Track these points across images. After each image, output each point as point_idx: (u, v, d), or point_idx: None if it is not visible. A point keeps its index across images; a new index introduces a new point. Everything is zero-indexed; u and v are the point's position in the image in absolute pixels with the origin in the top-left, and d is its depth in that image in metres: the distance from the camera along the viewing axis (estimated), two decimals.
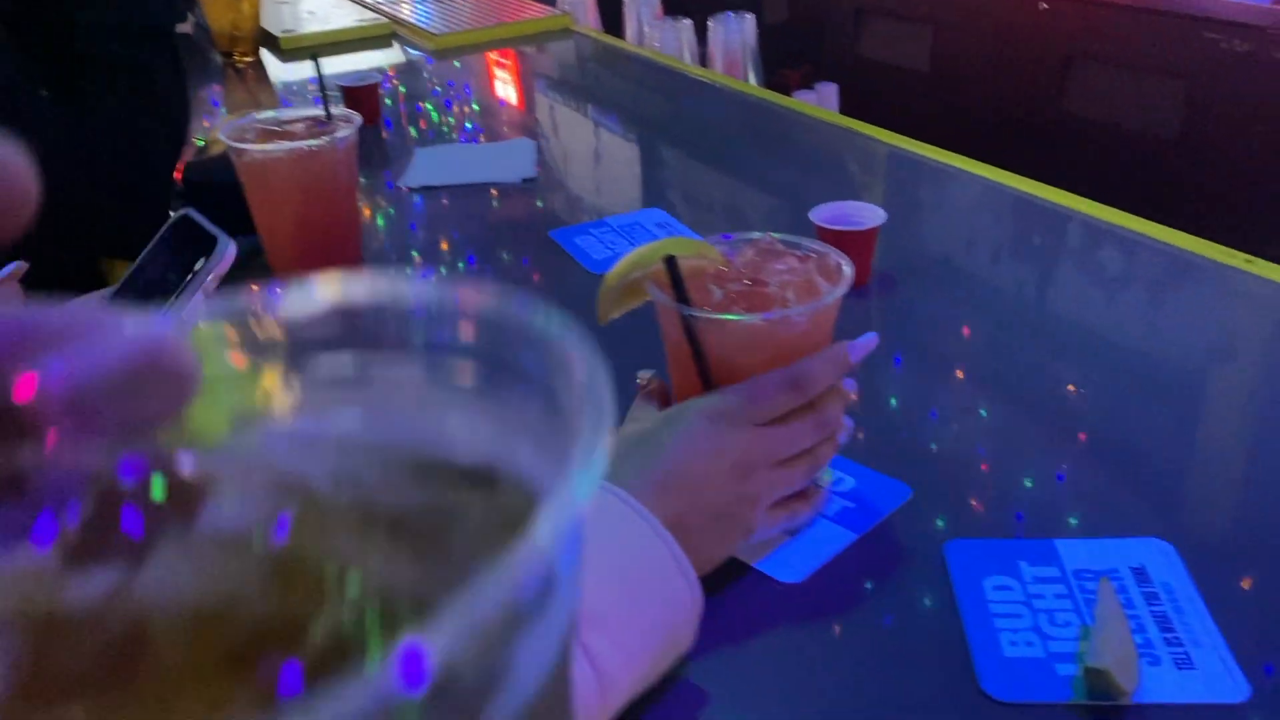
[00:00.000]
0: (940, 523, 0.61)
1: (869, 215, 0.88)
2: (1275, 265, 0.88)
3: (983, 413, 0.73)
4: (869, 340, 0.60)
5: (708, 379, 0.58)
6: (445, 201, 1.13)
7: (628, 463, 0.54)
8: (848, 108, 1.94)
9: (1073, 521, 0.60)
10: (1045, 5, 2.47)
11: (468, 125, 1.38)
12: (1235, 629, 0.52)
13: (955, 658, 0.52)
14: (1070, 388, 0.75)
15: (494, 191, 1.14)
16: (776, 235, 0.64)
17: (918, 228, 1.02)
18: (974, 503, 0.63)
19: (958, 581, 0.56)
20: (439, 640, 0.10)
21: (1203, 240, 0.93)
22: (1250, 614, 0.53)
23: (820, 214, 0.88)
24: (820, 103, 1.68)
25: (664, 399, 0.65)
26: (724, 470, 0.55)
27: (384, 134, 1.35)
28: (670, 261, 0.58)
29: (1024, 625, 0.53)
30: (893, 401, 0.74)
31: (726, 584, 0.57)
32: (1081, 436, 0.69)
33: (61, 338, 0.16)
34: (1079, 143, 2.47)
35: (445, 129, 1.37)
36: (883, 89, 2.87)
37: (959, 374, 0.78)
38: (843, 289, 0.59)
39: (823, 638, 0.55)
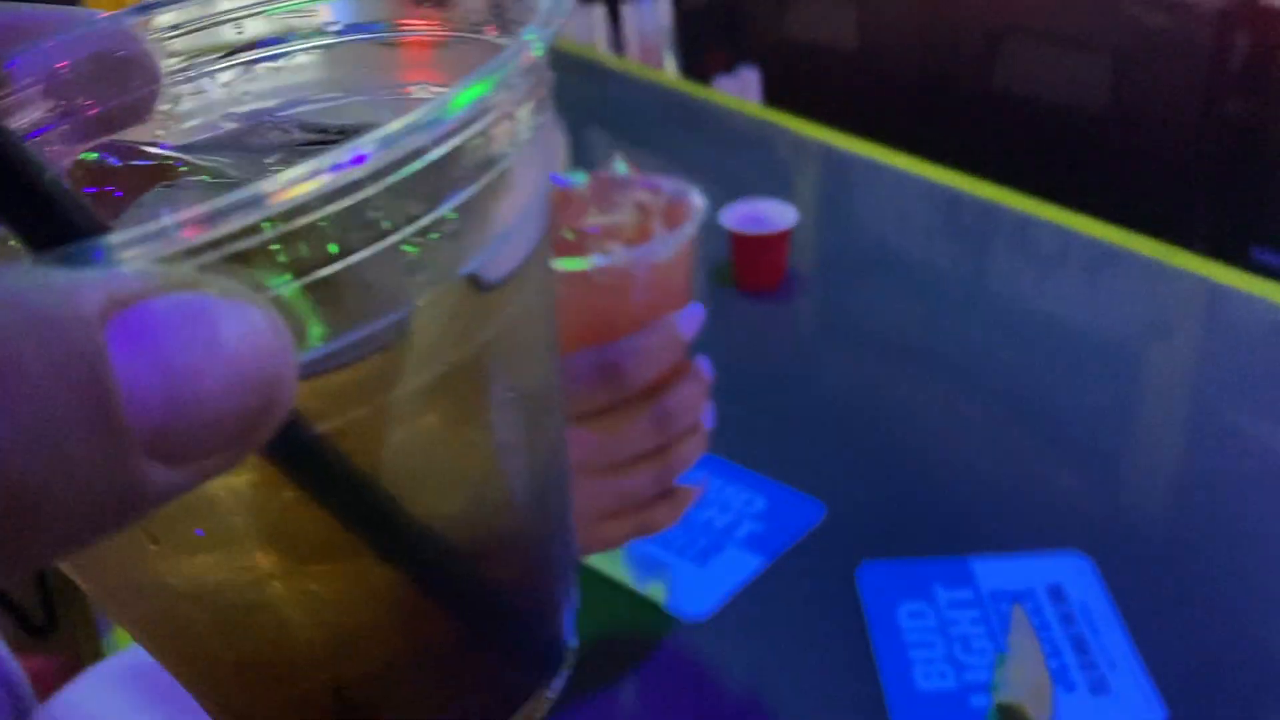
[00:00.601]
0: (853, 542, 0.59)
1: (781, 215, 0.86)
2: (1197, 257, 0.87)
3: (899, 421, 0.70)
4: (696, 311, 0.48)
5: None
6: None
7: None
8: (771, 91, 1.92)
9: (989, 536, 0.58)
10: None
11: None
12: (1154, 646, 0.50)
13: (868, 691, 0.50)
14: (989, 394, 0.73)
15: None
16: (622, 168, 0.52)
17: (835, 225, 1.00)
18: (890, 518, 0.61)
19: (870, 610, 0.54)
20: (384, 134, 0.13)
21: (1129, 232, 0.91)
22: (1169, 629, 0.52)
23: (730, 216, 0.85)
24: (741, 89, 1.65)
25: None
26: None
27: None
28: None
29: (938, 655, 0.51)
30: (805, 410, 0.72)
31: (627, 621, 0.54)
32: (1001, 445, 0.67)
33: (38, 32, 0.18)
34: (1008, 119, 2.48)
35: None
36: (808, 69, 2.85)
37: (876, 380, 0.76)
38: (683, 235, 0.46)
39: (730, 675, 0.52)
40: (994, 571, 0.55)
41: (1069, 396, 0.72)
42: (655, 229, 0.48)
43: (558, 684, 0.20)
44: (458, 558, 0.17)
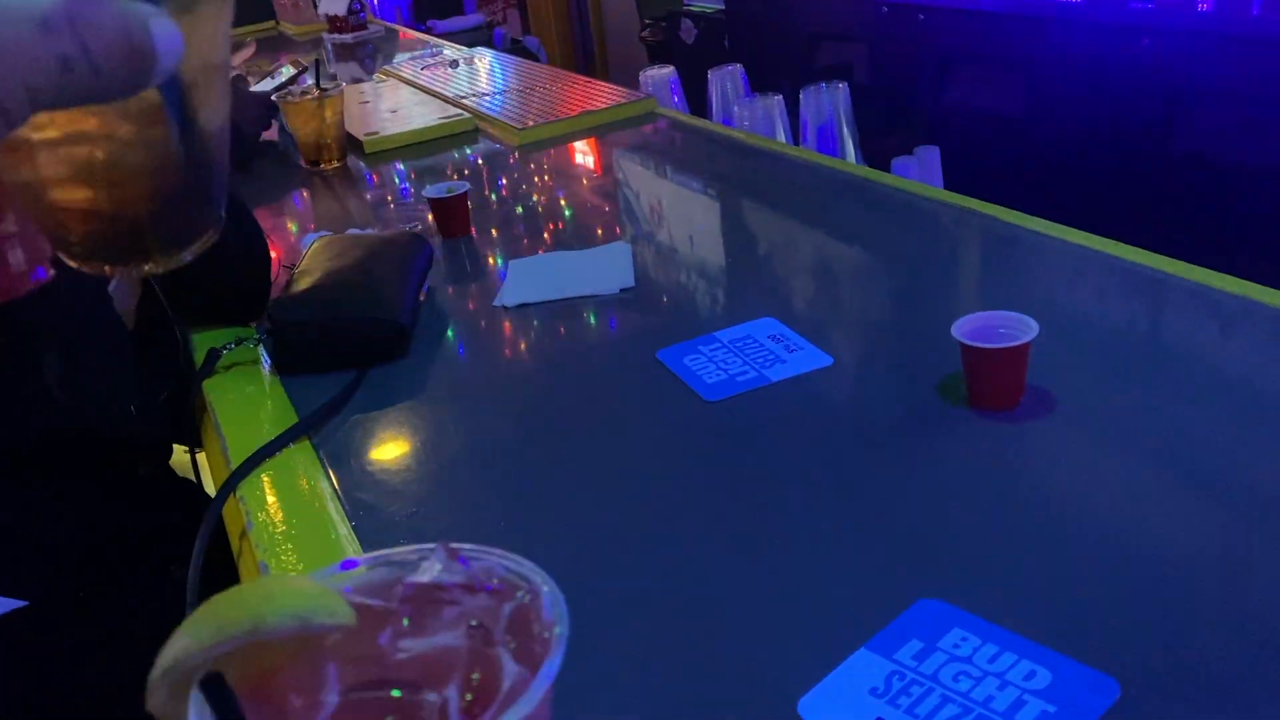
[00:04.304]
0: None
1: (1019, 327, 0.79)
2: None
3: (1185, 564, 0.62)
4: None
5: None
6: (540, 320, 1.06)
7: None
8: (949, 165, 1.85)
9: None
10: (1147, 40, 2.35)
11: (558, 227, 1.33)
12: None
13: None
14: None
15: (592, 306, 1.07)
16: (462, 547, 0.39)
17: (1071, 327, 0.92)
18: (1196, 696, 0.53)
19: None
20: None
21: None
22: None
23: (963, 329, 0.79)
24: (922, 169, 1.59)
25: None
26: None
27: (474, 242, 1.30)
28: (210, 685, 0.33)
29: None
30: (1079, 561, 0.64)
31: None
32: None
33: None
34: (1190, 182, 2.33)
35: (535, 232, 1.32)
36: (980, 137, 2.76)
37: (1149, 510, 0.68)
38: (543, 683, 0.34)
39: None
40: None
41: None
42: (500, 659, 0.36)
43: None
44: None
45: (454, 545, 0.39)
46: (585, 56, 6.49)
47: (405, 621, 0.37)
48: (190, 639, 0.33)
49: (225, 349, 1.04)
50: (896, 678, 0.56)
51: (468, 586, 0.38)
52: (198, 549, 0.76)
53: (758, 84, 2.37)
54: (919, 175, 1.59)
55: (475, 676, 0.35)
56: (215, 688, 0.32)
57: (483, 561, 0.39)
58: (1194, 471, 0.71)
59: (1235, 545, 0.64)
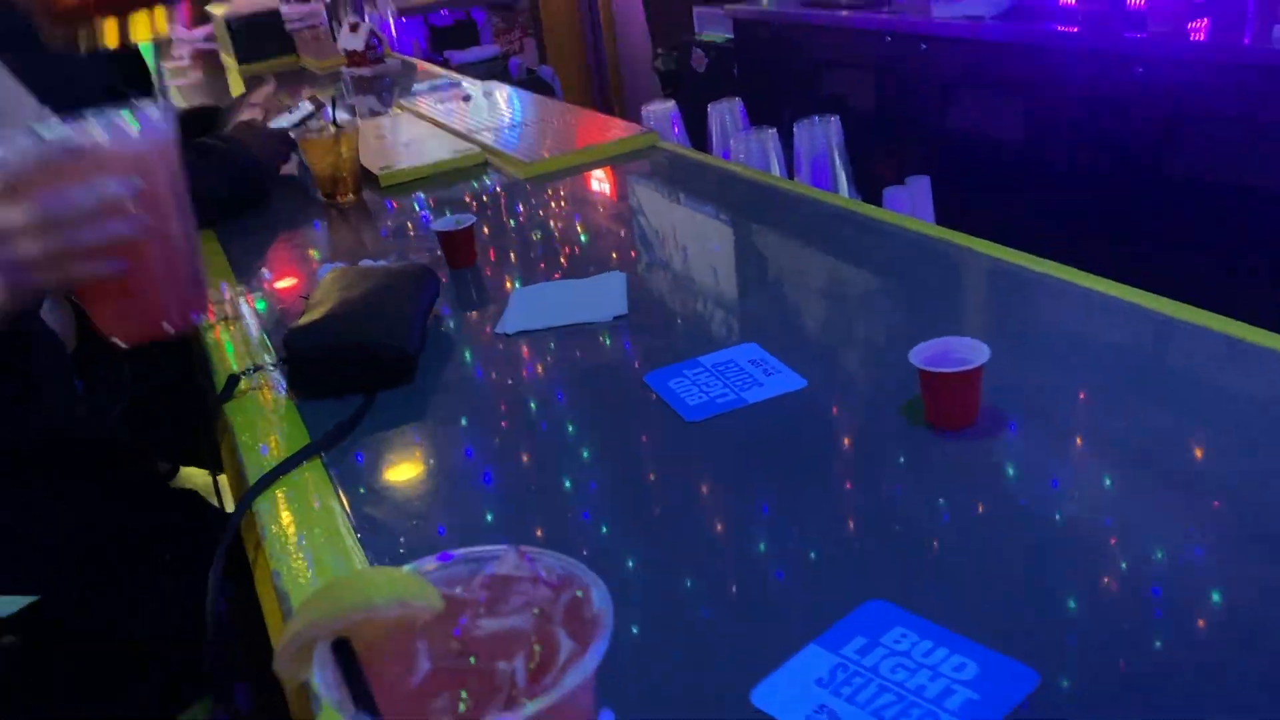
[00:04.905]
0: (1073, 714, 0.57)
1: (972, 352, 0.85)
2: None
3: (1115, 573, 0.68)
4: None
5: None
6: (538, 347, 1.13)
7: None
8: (941, 192, 1.91)
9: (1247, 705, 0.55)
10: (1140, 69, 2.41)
11: (560, 257, 1.40)
12: None
13: None
14: (1219, 538, 0.70)
15: (587, 333, 1.14)
16: (528, 550, 0.49)
17: (1027, 354, 0.98)
18: (1110, 685, 0.59)
19: None
20: None
21: None
22: None
23: (921, 355, 0.85)
24: (913, 199, 1.66)
25: None
26: None
27: (484, 273, 1.37)
28: (340, 648, 0.42)
29: None
30: (1010, 563, 0.70)
31: None
32: (1252, 588, 0.64)
33: None
34: (1189, 203, 2.38)
35: (538, 262, 1.39)
36: (976, 162, 2.82)
37: (1080, 524, 0.74)
38: (594, 657, 0.43)
39: None
40: None
41: None
42: (558, 638, 0.45)
43: None
44: None
45: (523, 547, 0.49)
46: (600, 85, 6.59)
47: (481, 607, 0.47)
48: (313, 614, 0.43)
49: (243, 374, 1.12)
50: (841, 670, 0.62)
51: (532, 579, 0.48)
52: (218, 557, 0.83)
53: (767, 112, 2.44)
54: (909, 204, 1.65)
55: (538, 649, 0.44)
56: (344, 649, 0.42)
57: (544, 560, 0.49)
58: (1125, 479, 0.77)
59: (1154, 547, 0.70)
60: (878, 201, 1.73)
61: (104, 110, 0.75)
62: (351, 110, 1.90)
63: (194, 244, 0.83)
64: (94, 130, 0.73)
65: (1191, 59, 2.35)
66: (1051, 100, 2.62)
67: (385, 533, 0.83)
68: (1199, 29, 2.41)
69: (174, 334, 0.80)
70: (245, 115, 1.92)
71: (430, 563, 0.49)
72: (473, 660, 0.44)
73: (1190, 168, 2.32)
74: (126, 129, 0.74)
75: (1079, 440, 0.84)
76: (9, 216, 0.71)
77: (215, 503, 1.18)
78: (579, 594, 0.47)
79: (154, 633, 0.94)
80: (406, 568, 0.48)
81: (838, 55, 3.34)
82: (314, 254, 1.56)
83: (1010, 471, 0.81)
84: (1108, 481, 0.78)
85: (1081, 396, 0.90)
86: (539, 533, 0.81)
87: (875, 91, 3.16)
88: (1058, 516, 0.74)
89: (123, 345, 0.78)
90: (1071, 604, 0.66)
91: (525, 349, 1.13)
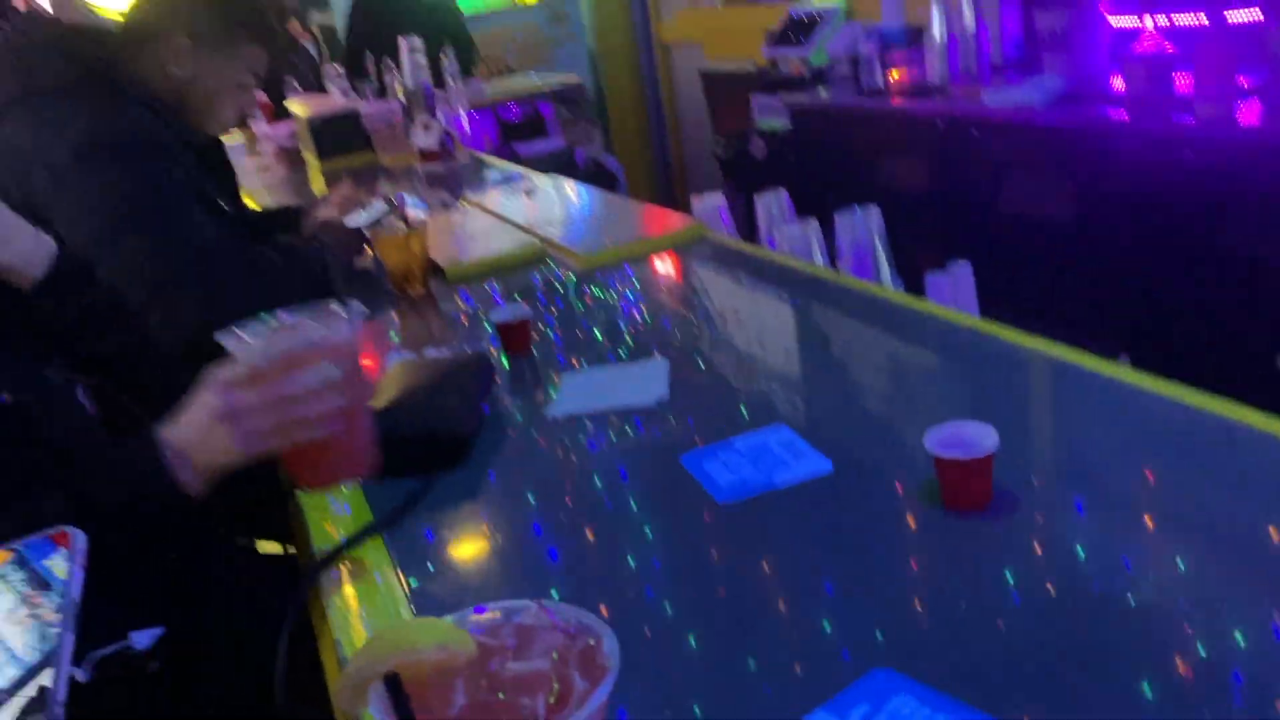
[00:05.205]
0: None
1: (983, 438, 0.90)
2: None
3: (1144, 687, 0.72)
4: None
5: None
6: (584, 429, 1.21)
7: None
8: (990, 276, 1.96)
9: None
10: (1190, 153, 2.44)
11: (609, 346, 1.49)
12: None
13: None
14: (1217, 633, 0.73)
15: (630, 416, 1.22)
16: (548, 604, 0.61)
17: (1044, 440, 1.03)
18: None
19: None
20: None
21: None
22: None
23: (934, 439, 0.91)
24: (955, 285, 1.71)
25: None
26: None
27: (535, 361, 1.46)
28: (391, 683, 0.53)
29: None
30: (1015, 636, 0.75)
31: None
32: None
33: None
34: (1238, 286, 2.39)
35: (589, 348, 1.48)
36: (1026, 245, 2.86)
37: (1082, 606, 0.78)
38: (601, 695, 0.54)
39: None
40: None
41: None
42: (573, 679, 0.55)
43: None
44: None
45: (544, 601, 0.60)
46: (664, 172, 6.78)
47: (509, 652, 0.57)
48: (368, 657, 0.54)
49: None
50: None
51: (552, 629, 0.58)
52: (286, 626, 0.91)
53: (821, 198, 2.53)
54: (951, 290, 1.71)
55: (556, 687, 0.55)
56: (393, 682, 0.52)
57: (563, 614, 0.60)
58: (1135, 560, 0.81)
59: (1157, 628, 0.74)
60: (921, 286, 1.79)
61: (314, 306, 0.97)
62: (423, 206, 2.04)
63: (369, 411, 1.00)
64: (313, 324, 0.94)
65: (1240, 142, 2.38)
66: (1102, 184, 2.66)
67: (437, 605, 0.91)
68: (1247, 112, 2.45)
69: (351, 483, 0.96)
70: (324, 214, 2.07)
71: (469, 614, 0.60)
72: (501, 695, 0.54)
73: (1240, 250, 2.34)
74: (337, 324, 0.93)
75: (1087, 527, 0.88)
76: (252, 397, 0.90)
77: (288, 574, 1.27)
78: (591, 642, 0.56)
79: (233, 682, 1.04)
80: (447, 618, 0.58)
81: (891, 142, 3.43)
82: (386, 343, 1.67)
83: (1013, 553, 0.85)
84: (1110, 566, 0.83)
85: (1097, 485, 0.95)
86: (575, 598, 0.88)
87: (928, 177, 3.23)
88: (1055, 592, 0.79)
89: (308, 490, 0.95)
90: (1063, 671, 0.70)
91: (573, 431, 1.21)
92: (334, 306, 0.97)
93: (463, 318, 1.74)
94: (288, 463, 0.97)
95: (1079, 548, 0.84)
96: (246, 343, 0.92)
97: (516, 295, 1.77)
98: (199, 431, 0.92)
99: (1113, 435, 1.03)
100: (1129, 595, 0.77)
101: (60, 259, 1.11)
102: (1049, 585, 0.80)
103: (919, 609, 0.80)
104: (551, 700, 0.53)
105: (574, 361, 1.43)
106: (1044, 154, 2.82)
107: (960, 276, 1.72)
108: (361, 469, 0.98)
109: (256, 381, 0.90)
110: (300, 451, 0.94)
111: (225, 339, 0.93)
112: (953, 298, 1.75)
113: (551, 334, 1.56)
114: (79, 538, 0.62)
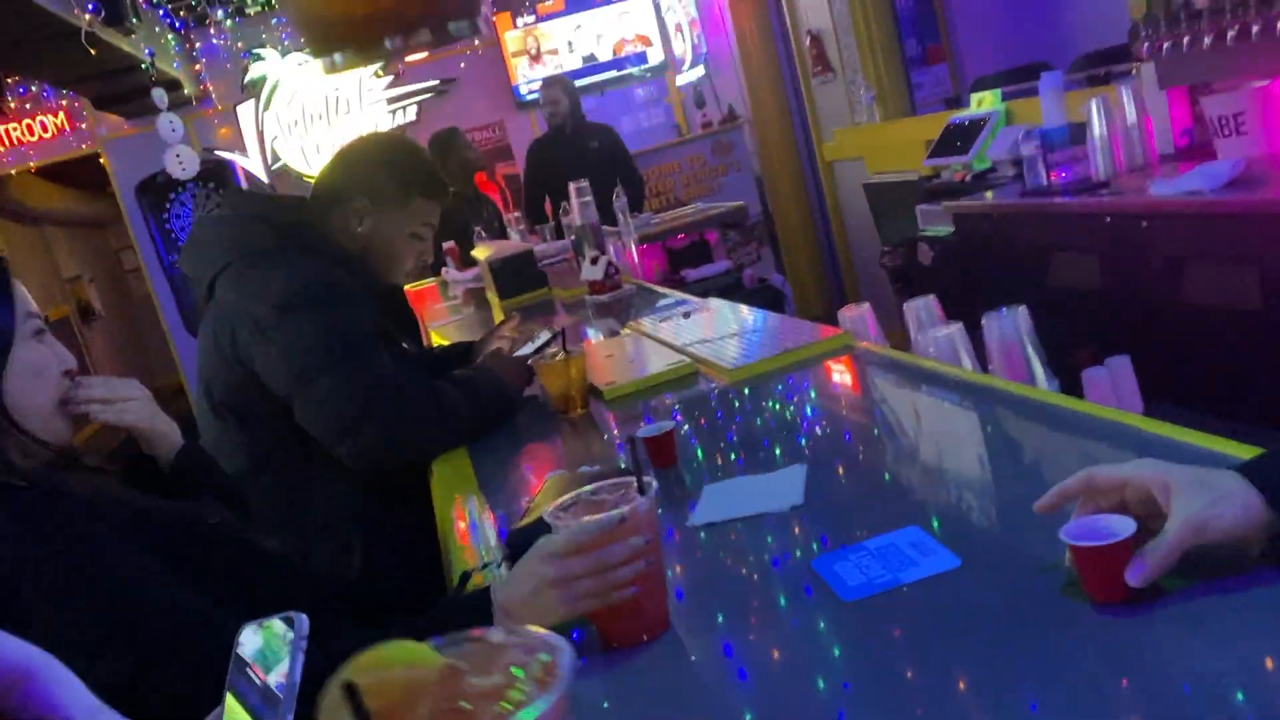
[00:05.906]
0: None
1: (1118, 526, 0.89)
2: None
3: None
4: None
5: None
6: (722, 537, 1.25)
7: None
8: (1152, 369, 1.88)
9: None
10: None
11: (750, 455, 1.53)
12: None
13: None
14: None
15: (767, 522, 1.25)
16: (511, 626, 0.67)
17: None
18: None
19: None
20: None
21: None
22: None
23: (1071, 531, 0.90)
24: (1113, 379, 1.66)
25: None
26: None
27: (680, 473, 1.52)
28: (349, 691, 0.56)
29: None
30: None
31: None
32: None
33: None
34: None
35: (730, 459, 1.52)
36: (1207, 335, 2.72)
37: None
38: (554, 692, 0.57)
39: None
40: None
41: None
42: (532, 691, 0.58)
43: None
44: None
45: (508, 624, 0.64)
46: (835, 284, 6.81)
47: (472, 668, 0.62)
48: (348, 673, 0.59)
49: (474, 571, 1.31)
50: None
51: (516, 645, 0.63)
52: None
53: (984, 300, 2.50)
54: (1109, 384, 1.66)
55: (517, 696, 0.59)
56: (351, 691, 0.57)
57: (526, 633, 0.64)
58: None
59: None
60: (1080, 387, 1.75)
61: (618, 481, 1.09)
62: (581, 337, 2.16)
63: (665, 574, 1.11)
64: (614, 497, 1.08)
65: None
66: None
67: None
68: None
69: (649, 640, 1.05)
70: (494, 346, 2.23)
71: (440, 641, 0.64)
72: (465, 704, 0.59)
73: None
74: (640, 501, 1.05)
75: (1242, 617, 0.85)
76: (575, 567, 1.03)
77: None
78: (548, 658, 0.61)
79: None
80: (426, 643, 0.63)
81: (1058, 240, 3.36)
82: (551, 460, 1.77)
83: (1159, 648, 0.83)
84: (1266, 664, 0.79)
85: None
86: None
87: (1099, 272, 3.14)
88: (1212, 694, 0.76)
89: (618, 646, 1.05)
90: None
91: (712, 538, 1.26)
92: (630, 480, 1.08)
93: (617, 435, 1.83)
94: (599, 623, 1.08)
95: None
96: (568, 520, 1.07)
97: (669, 410, 1.85)
98: (532, 595, 1.06)
99: None
100: None
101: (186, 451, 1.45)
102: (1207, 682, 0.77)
103: (1057, 708, 0.79)
104: (509, 708, 0.57)
105: (716, 471, 1.48)
106: (1216, 239, 2.71)
107: (1119, 371, 1.67)
108: (664, 625, 1.08)
109: (581, 552, 1.04)
110: (612, 611, 1.06)
111: (550, 518, 1.08)
112: (1113, 393, 1.70)
113: (697, 444, 1.62)
114: (303, 622, 0.71)
